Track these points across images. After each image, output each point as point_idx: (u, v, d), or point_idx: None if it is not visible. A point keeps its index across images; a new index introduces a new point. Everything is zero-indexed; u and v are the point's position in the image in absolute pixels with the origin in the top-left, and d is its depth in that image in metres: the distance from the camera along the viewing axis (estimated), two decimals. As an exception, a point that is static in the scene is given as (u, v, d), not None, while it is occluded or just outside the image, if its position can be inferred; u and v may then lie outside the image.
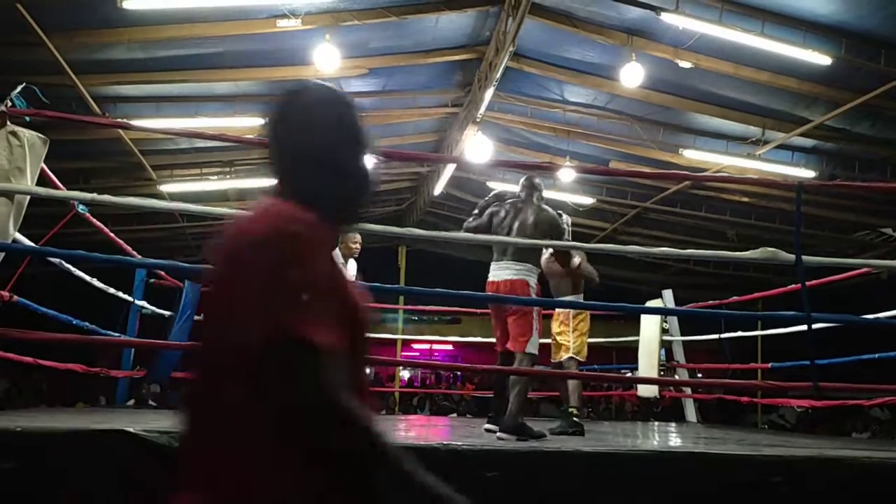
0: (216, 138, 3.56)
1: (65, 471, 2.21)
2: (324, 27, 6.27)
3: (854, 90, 6.53)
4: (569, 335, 4.36)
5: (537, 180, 3.90)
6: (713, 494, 2.45)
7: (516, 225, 3.70)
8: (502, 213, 3.78)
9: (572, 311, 4.41)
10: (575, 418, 4.09)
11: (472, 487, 2.33)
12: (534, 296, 3.58)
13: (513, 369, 3.50)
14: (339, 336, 1.01)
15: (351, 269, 5.30)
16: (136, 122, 6.77)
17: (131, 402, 6.94)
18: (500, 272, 3.62)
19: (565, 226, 3.93)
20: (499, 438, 3.26)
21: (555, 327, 4.53)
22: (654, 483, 2.46)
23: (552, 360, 4.55)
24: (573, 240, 4.43)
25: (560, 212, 4.02)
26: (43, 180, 3.37)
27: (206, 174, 9.43)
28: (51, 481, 2.20)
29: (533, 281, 3.60)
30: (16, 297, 3.76)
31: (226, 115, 7.69)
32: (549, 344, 4.62)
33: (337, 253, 5.93)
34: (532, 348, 3.52)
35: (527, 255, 3.61)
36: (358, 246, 5.32)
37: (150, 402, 7.10)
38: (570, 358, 4.36)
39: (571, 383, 4.33)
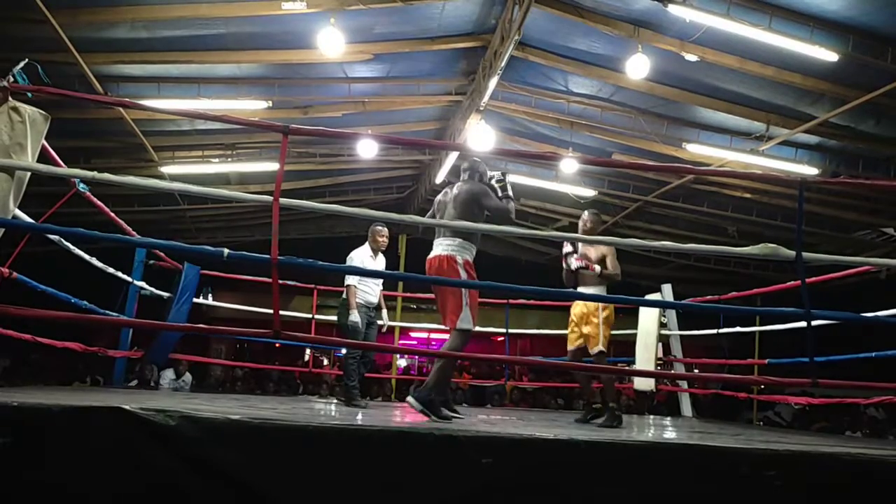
0: (219, 119, 3.53)
1: (61, 447, 2.21)
2: (329, 11, 6.24)
3: (860, 87, 6.52)
4: (599, 327, 4.33)
5: (478, 163, 3.98)
6: (708, 486, 2.46)
7: (448, 203, 3.83)
8: (441, 196, 3.94)
9: (600, 304, 4.36)
10: (595, 406, 4.39)
11: (467, 473, 2.35)
12: (462, 272, 3.60)
13: (526, 360, 3.52)
14: None
15: (380, 263, 5.30)
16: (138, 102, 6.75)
17: (134, 382, 6.98)
18: (434, 249, 3.74)
19: (487, 189, 3.80)
20: (407, 402, 3.39)
21: (579, 317, 4.46)
22: (648, 473, 2.46)
23: (570, 350, 4.52)
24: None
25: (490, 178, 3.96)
26: (44, 157, 3.35)
27: (207, 157, 9.40)
28: (46, 457, 2.20)
29: (461, 257, 3.63)
30: (15, 274, 3.76)
31: (228, 97, 7.67)
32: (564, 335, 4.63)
33: (366, 247, 6.01)
34: (463, 324, 3.56)
35: (459, 231, 3.65)
36: (385, 239, 5.32)
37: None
38: (601, 352, 4.33)
39: (582, 377, 4.60)
